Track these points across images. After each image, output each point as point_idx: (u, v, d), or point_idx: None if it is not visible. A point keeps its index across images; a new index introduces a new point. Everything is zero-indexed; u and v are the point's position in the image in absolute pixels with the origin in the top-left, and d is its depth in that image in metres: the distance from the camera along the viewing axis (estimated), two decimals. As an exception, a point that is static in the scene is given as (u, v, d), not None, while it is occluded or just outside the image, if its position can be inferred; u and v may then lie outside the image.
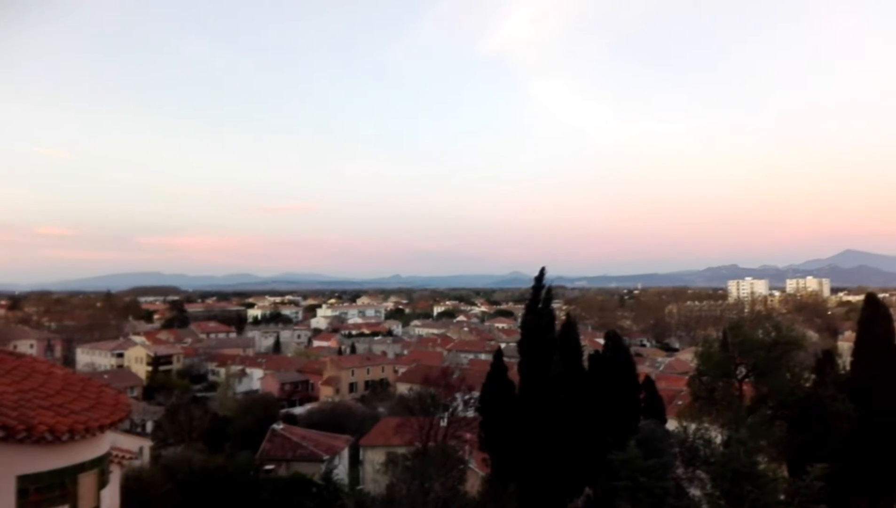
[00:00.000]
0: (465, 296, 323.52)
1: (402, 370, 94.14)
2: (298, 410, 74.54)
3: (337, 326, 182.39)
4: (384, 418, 53.43)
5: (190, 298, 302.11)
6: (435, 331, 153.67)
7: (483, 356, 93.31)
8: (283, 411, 69.68)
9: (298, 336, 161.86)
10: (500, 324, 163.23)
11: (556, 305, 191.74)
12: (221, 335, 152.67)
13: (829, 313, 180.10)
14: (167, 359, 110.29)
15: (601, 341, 46.34)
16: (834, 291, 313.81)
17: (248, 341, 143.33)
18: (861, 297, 42.15)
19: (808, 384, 33.41)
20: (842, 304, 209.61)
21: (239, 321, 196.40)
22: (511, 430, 29.43)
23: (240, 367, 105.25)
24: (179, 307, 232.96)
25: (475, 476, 35.60)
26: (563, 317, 37.25)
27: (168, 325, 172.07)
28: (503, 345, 74.81)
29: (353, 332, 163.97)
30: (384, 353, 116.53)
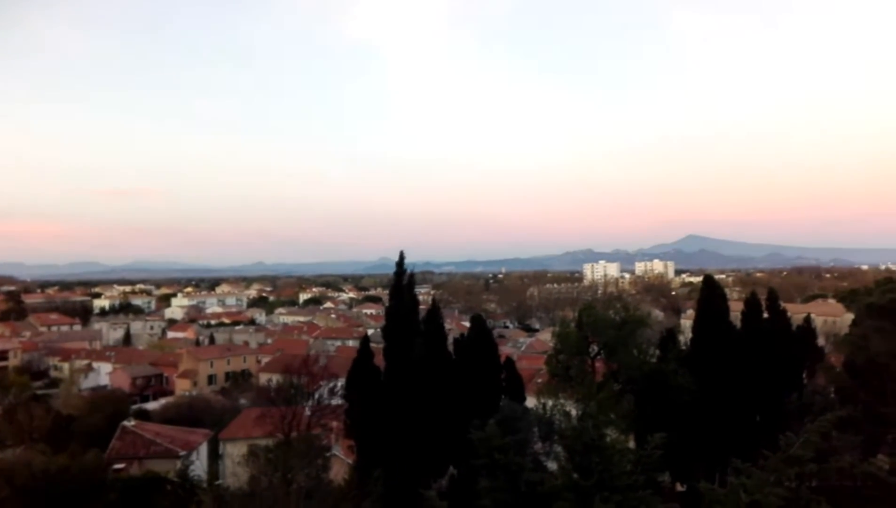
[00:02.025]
0: (332, 282, 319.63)
1: (265, 359, 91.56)
2: (152, 405, 70.86)
3: (194, 316, 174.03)
4: (245, 410, 51.75)
5: (28, 288, 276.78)
6: (301, 319, 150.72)
7: (351, 343, 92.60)
8: (135, 407, 66.11)
9: (151, 328, 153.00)
10: (369, 310, 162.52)
11: (424, 290, 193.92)
12: (64, 328, 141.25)
13: (674, 293, 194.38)
14: (2, 355, 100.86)
15: (467, 324, 47.37)
16: (678, 273, 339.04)
17: (94, 333, 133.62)
18: (700, 278, 45.92)
19: (653, 360, 35.77)
20: (684, 285, 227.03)
21: (84, 313, 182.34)
22: (377, 416, 29.47)
23: (86, 361, 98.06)
24: (16, 298, 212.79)
25: (341, 463, 35.35)
26: (431, 301, 37.69)
27: (3, 318, 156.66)
28: (371, 331, 74.62)
29: (213, 322, 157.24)
30: (246, 343, 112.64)
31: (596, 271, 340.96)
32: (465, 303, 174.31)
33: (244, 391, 72.94)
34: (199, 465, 41.42)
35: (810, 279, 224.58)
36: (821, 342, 40.53)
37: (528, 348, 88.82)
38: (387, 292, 34.96)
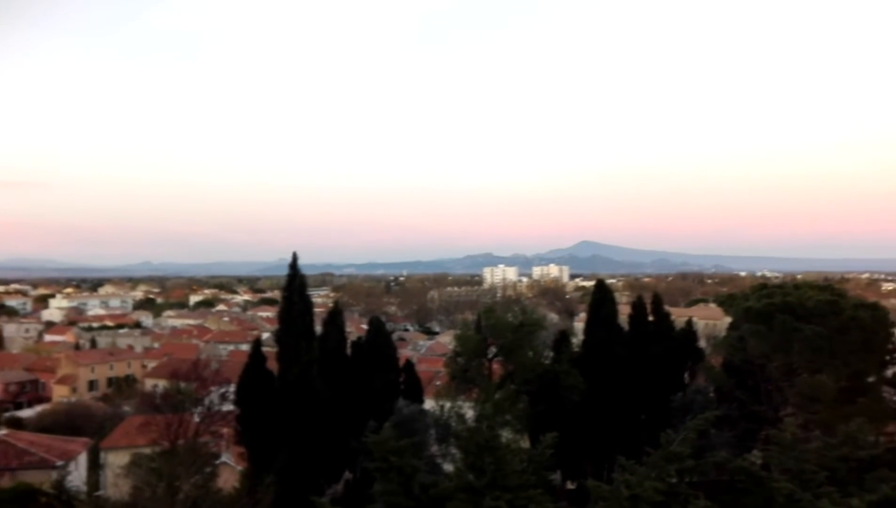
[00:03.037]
0: (226, 284, 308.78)
1: (151, 364, 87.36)
2: (27, 413, 66.23)
3: (75, 318, 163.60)
4: (129, 417, 49.13)
5: None
6: (191, 322, 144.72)
7: (244, 347, 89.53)
8: (8, 415, 61.78)
9: (27, 330, 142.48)
10: (265, 313, 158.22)
11: (323, 292, 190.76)
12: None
13: (568, 296, 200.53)
14: None
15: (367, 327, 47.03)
16: (572, 277, 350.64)
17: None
18: (593, 282, 47.68)
19: (547, 362, 36.75)
20: (578, 289, 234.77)
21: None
22: (269, 421, 28.72)
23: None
24: None
25: (232, 471, 34.25)
26: (332, 304, 37.19)
27: None
28: (266, 335, 72.68)
29: (95, 325, 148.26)
30: (131, 347, 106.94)
31: (495, 275, 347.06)
32: (365, 305, 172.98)
33: (128, 397, 69.21)
34: (77, 476, 39.08)
35: (693, 284, 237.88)
36: (702, 343, 42.79)
37: (428, 350, 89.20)
38: (281, 294, 34.15)
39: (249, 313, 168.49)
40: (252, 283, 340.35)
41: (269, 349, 33.23)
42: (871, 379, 31.03)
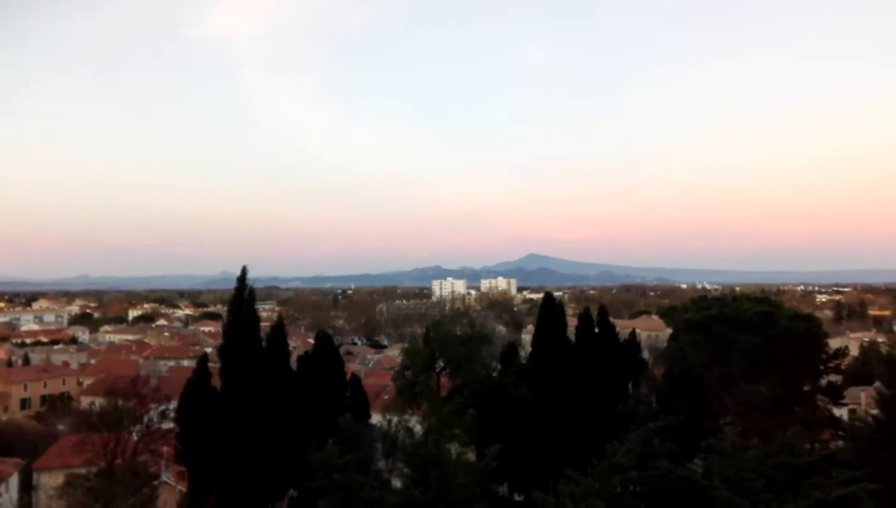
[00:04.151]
0: (167, 298, 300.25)
1: (88, 381, 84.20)
2: (-47, 435, 62.58)
3: (6, 333, 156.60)
4: (64, 436, 47.23)
5: None
6: (130, 337, 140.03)
7: (186, 363, 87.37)
8: (-67, 436, 57.99)
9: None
10: (207, 327, 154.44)
11: (269, 306, 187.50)
12: None
13: (516, 309, 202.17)
14: None
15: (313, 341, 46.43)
16: (520, 289, 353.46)
17: None
18: (541, 295, 48.23)
19: (495, 374, 36.94)
20: (526, 301, 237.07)
21: None
22: (212, 439, 27.98)
23: None
24: None
25: (172, 491, 33.22)
26: (276, 318, 36.62)
27: None
28: (209, 350, 70.96)
29: (28, 341, 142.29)
30: (66, 363, 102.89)
31: (444, 288, 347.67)
32: (312, 319, 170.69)
33: (63, 415, 66.48)
34: (8, 498, 37.41)
35: (637, 296, 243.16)
36: (645, 354, 43.71)
37: (375, 364, 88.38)
38: (227, 308, 33.50)
39: (191, 327, 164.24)
40: (194, 297, 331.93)
41: (213, 365, 32.43)
42: (806, 388, 32.05)
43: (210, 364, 32.14)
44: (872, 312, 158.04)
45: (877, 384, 21.44)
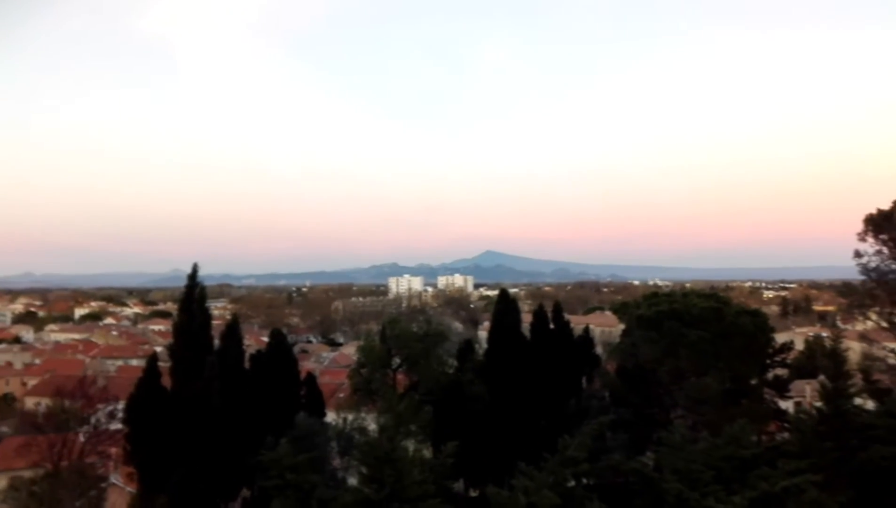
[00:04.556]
0: (114, 296, 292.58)
1: (32, 382, 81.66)
2: None
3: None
4: (7, 438, 45.76)
5: None
6: (76, 336, 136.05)
7: (135, 362, 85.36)
8: None
9: None
10: (157, 326, 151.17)
11: (221, 304, 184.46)
12: None
13: (472, 306, 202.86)
14: None
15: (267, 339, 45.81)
16: (476, 286, 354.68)
17: None
18: (497, 292, 48.56)
19: (451, 371, 37.02)
20: (482, 298, 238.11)
21: None
22: (162, 439, 27.39)
23: None
24: None
25: (121, 492, 32.50)
26: (230, 317, 36.10)
27: None
28: (159, 349, 69.47)
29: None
30: (10, 363, 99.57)
31: (401, 285, 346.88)
32: (266, 317, 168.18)
33: (6, 417, 64.37)
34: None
35: (591, 293, 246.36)
36: (598, 350, 44.33)
37: (331, 362, 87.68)
38: (178, 306, 32.84)
39: (140, 326, 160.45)
40: (143, 295, 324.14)
41: (163, 364, 31.75)
42: (753, 382, 32.97)
43: (160, 364, 31.47)
44: (817, 307, 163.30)
45: (821, 377, 22.19)
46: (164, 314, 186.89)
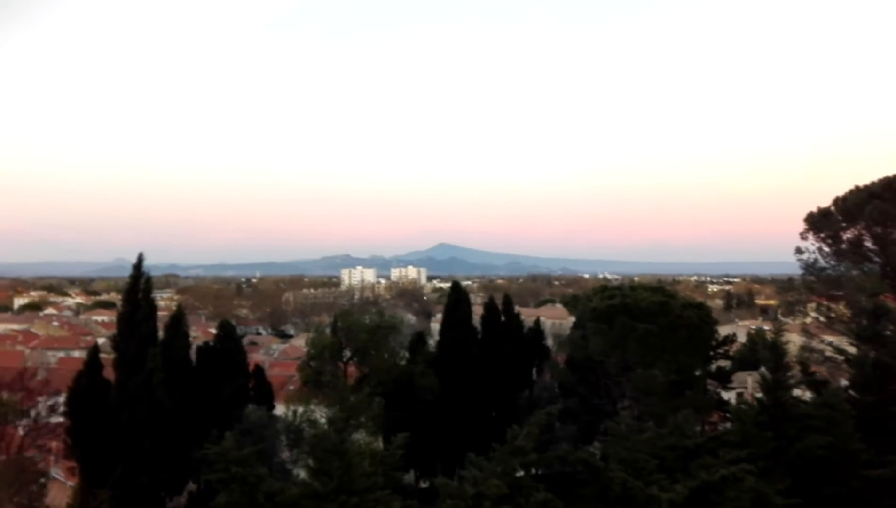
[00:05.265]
0: (56, 285, 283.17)
1: (-32, 374, 78.48)
2: None
3: None
4: (-61, 434, 43.90)
5: None
6: (15, 327, 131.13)
7: (77, 354, 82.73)
8: None
9: None
10: (101, 317, 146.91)
11: (167, 294, 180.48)
12: None
13: (425, 298, 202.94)
14: None
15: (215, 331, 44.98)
16: (430, 279, 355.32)
17: None
18: (450, 284, 48.79)
19: (403, 363, 37.04)
20: (435, 290, 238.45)
21: None
22: (105, 433, 26.76)
23: None
24: None
25: (62, 487, 31.58)
26: (175, 308, 35.41)
27: None
28: (103, 340, 67.61)
29: None
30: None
31: (353, 277, 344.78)
32: (214, 308, 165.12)
33: (-62, 412, 61.76)
34: None
35: (542, 286, 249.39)
36: (549, 342, 44.91)
37: (281, 354, 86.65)
38: (122, 297, 32.14)
39: (83, 317, 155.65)
40: (86, 285, 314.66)
41: (107, 356, 30.94)
42: (697, 373, 33.86)
43: (104, 356, 30.68)
44: (759, 301, 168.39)
45: (762, 368, 22.94)
46: (107, 305, 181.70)
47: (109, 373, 28.77)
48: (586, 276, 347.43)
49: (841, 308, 33.20)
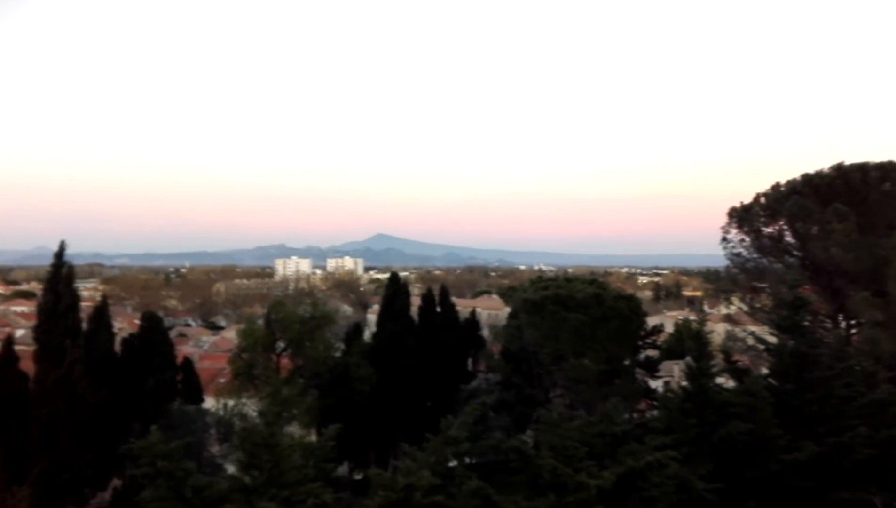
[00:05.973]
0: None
1: None
2: None
3: None
4: None
5: None
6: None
7: (-6, 346, 78.83)
8: None
9: None
10: (20, 307, 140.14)
11: (91, 284, 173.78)
12: None
13: (362, 289, 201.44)
14: None
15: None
16: (367, 269, 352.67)
17: None
18: (387, 275, 48.58)
19: (338, 354, 36.73)
20: (373, 281, 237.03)
21: None
22: (23, 428, 25.60)
23: None
24: None
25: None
26: (100, 298, 34.12)
27: None
28: (21, 332, 64.53)
29: None
30: None
31: (288, 267, 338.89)
32: (140, 299, 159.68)
33: None
34: None
35: (479, 277, 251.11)
36: (485, 333, 45.35)
37: (212, 346, 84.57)
38: (43, 287, 30.69)
39: (1, 307, 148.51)
40: (5, 274, 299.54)
41: (26, 348, 29.54)
42: (626, 362, 34.77)
43: (24, 348, 29.30)
44: (686, 292, 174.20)
45: (687, 358, 23.70)
46: (27, 295, 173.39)
47: (28, 366, 27.52)
48: (522, 267, 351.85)
49: (763, 299, 34.50)
